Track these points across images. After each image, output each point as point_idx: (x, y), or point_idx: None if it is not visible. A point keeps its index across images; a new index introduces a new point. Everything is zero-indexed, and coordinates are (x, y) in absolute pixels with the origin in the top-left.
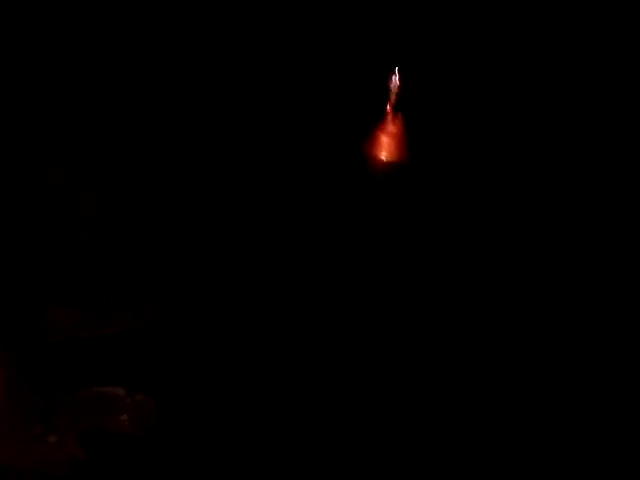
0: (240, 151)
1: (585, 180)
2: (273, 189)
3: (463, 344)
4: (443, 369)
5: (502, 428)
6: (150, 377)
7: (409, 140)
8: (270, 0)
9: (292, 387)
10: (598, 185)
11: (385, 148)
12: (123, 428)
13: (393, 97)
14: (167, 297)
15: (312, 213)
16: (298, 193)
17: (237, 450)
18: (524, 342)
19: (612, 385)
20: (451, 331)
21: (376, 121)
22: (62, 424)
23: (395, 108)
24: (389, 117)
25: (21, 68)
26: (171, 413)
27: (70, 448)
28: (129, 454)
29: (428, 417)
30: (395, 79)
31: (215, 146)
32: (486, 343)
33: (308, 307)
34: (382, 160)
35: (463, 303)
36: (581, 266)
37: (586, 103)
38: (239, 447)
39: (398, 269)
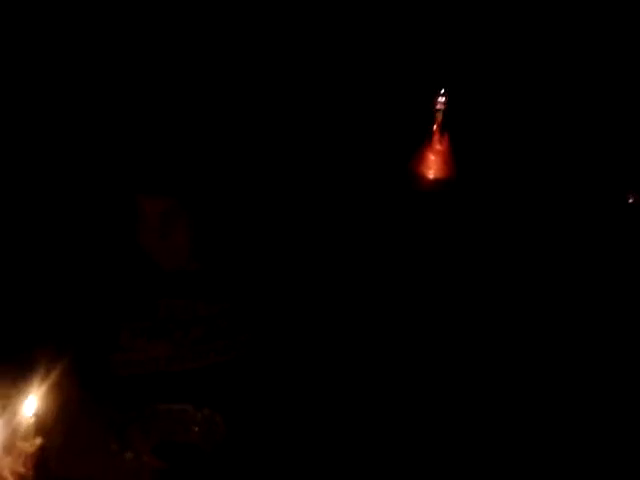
0: (293, 171)
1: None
2: (326, 208)
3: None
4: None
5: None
6: (218, 398)
7: (455, 158)
8: (315, 20)
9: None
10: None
11: (432, 166)
12: (194, 440)
13: (440, 116)
14: (257, 327)
15: (361, 229)
16: (347, 210)
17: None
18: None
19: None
20: (485, 347)
21: (423, 140)
22: (136, 440)
23: (442, 127)
24: (436, 136)
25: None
26: (239, 431)
27: (147, 462)
28: (201, 467)
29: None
30: (442, 99)
31: (268, 168)
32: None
33: (370, 329)
34: (429, 177)
35: (505, 317)
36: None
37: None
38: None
39: (444, 283)
